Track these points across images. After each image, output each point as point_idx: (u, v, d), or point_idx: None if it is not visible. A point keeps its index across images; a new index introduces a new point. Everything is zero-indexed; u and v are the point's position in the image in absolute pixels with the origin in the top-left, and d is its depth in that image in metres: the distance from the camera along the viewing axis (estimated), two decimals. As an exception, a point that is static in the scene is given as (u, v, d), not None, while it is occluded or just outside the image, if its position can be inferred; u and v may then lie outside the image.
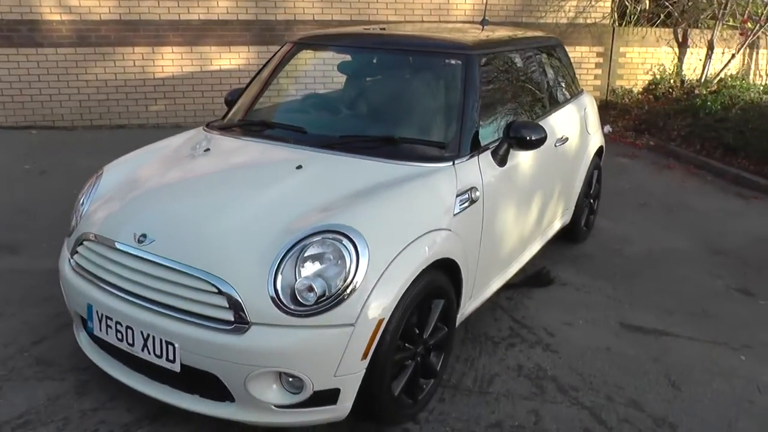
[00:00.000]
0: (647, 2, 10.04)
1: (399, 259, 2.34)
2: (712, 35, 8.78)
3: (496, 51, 3.46)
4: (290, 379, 2.27)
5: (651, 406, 2.88)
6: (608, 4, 9.15)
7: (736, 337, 3.51)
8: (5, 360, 3.01)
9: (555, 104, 4.06)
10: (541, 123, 3.36)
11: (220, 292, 2.23)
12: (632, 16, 9.75)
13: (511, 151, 3.09)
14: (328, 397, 2.28)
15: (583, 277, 4.18)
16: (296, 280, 2.22)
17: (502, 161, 3.07)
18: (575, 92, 4.54)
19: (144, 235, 2.42)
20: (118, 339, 2.45)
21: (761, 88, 8.30)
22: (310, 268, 2.24)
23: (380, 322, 2.27)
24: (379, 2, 8.22)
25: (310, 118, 3.35)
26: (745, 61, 9.85)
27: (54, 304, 3.40)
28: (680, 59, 9.26)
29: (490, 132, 3.14)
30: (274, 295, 2.20)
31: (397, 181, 2.64)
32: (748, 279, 4.25)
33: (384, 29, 3.80)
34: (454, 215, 2.71)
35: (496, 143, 3.08)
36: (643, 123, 8.29)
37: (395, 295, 2.31)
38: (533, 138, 3.01)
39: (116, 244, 2.49)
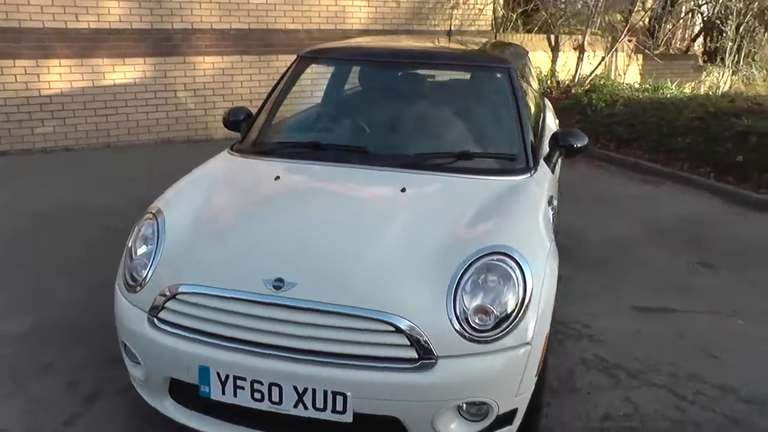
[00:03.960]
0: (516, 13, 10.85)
1: (546, 273, 2.40)
2: (583, 40, 9.68)
3: (519, 63, 3.62)
4: (475, 408, 2.21)
5: (707, 375, 3.21)
6: (490, 12, 9.73)
7: (723, 306, 3.98)
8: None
9: (542, 108, 4.32)
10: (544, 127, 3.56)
11: (397, 330, 2.10)
12: (509, 23, 10.45)
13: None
14: (507, 418, 2.28)
15: (570, 271, 4.44)
16: (471, 306, 2.18)
17: (553, 169, 3.25)
18: (540, 96, 4.85)
19: (280, 280, 2.17)
20: (255, 399, 2.18)
21: (633, 86, 9.33)
22: (482, 292, 2.21)
23: (546, 336, 2.32)
24: (277, 10, 8.06)
25: (368, 137, 3.22)
26: (607, 63, 10.95)
27: (58, 371, 3.06)
28: (554, 62, 10.12)
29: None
30: (456, 325, 2.14)
31: (504, 196, 2.70)
32: (700, 254, 4.80)
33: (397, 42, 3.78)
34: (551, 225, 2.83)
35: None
36: (533, 121, 8.94)
37: (550, 306, 2.37)
38: (579, 145, 3.21)
39: (242, 294, 2.19)
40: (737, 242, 5.08)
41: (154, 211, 2.64)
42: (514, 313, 2.21)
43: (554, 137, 3.23)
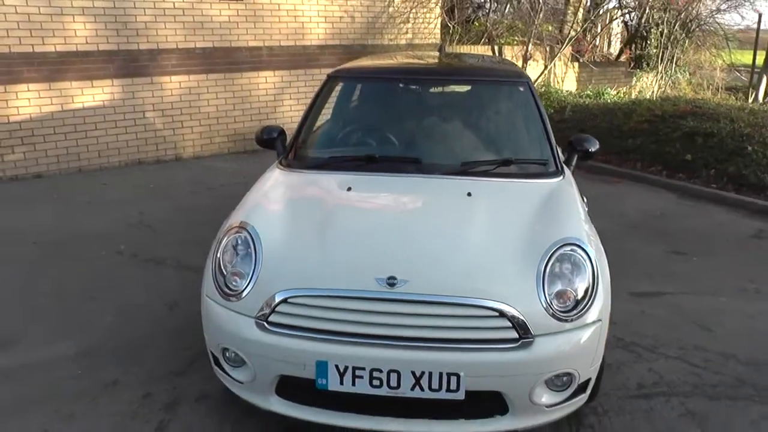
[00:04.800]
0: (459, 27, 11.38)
1: (602, 258, 2.76)
2: (526, 50, 10.26)
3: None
4: (560, 380, 2.52)
5: (708, 346, 3.65)
6: (438, 29, 10.18)
7: (705, 287, 4.47)
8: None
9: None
10: None
11: (501, 315, 2.39)
12: (456, 36, 10.93)
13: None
14: (583, 387, 2.62)
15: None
16: (553, 291, 2.50)
17: (571, 172, 3.62)
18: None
19: (393, 278, 2.42)
20: (373, 386, 2.41)
21: (572, 92, 9.95)
22: (564, 277, 2.55)
23: (609, 314, 2.68)
24: (240, 28, 8.21)
25: (419, 149, 3.49)
26: (547, 69, 11.61)
27: (127, 386, 3.18)
28: (499, 72, 10.66)
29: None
30: (547, 307, 2.47)
31: (550, 196, 3.06)
32: (671, 243, 5.32)
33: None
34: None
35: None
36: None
37: (609, 287, 2.72)
38: (593, 150, 3.62)
39: (359, 293, 2.44)
40: (698, 232, 5.64)
41: (239, 224, 2.82)
42: (587, 295, 2.56)
43: (571, 143, 3.62)
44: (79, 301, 4.13)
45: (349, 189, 3.09)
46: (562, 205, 3.02)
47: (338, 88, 3.86)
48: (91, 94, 7.25)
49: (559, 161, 3.43)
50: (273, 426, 2.83)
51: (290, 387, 2.59)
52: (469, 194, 2.99)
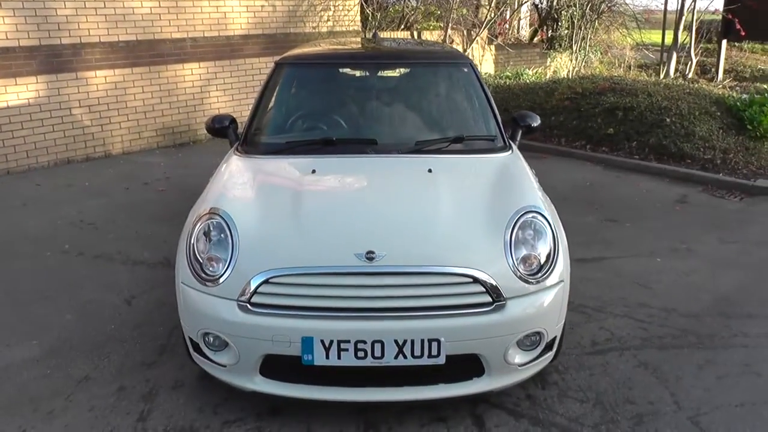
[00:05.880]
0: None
1: (559, 224, 2.97)
2: (445, 35, 10.50)
3: None
4: (529, 339, 2.70)
5: (650, 302, 3.95)
6: (357, 16, 10.26)
7: (639, 250, 4.80)
8: None
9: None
10: None
11: (474, 281, 2.55)
12: (375, 22, 11.03)
13: None
14: (550, 345, 2.81)
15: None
16: (519, 256, 2.68)
17: (516, 146, 3.83)
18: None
19: (371, 252, 2.52)
20: (358, 358, 2.52)
21: (491, 74, 10.26)
22: (527, 243, 2.74)
23: (569, 275, 2.88)
24: (162, 20, 8.03)
25: (374, 130, 3.62)
26: (466, 53, 11.88)
27: (99, 380, 3.19)
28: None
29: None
30: (515, 270, 2.64)
31: (504, 169, 3.25)
32: (602, 212, 5.65)
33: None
34: None
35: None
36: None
37: (567, 250, 2.93)
38: (535, 125, 3.83)
39: (339, 269, 2.53)
40: (626, 200, 6.01)
41: (209, 211, 2.85)
42: (550, 257, 2.75)
43: (514, 119, 3.81)
44: (33, 301, 4.02)
45: (313, 171, 3.16)
46: (515, 176, 3.22)
47: (287, 74, 3.89)
48: (15, 92, 6.93)
49: (506, 137, 3.62)
50: (256, 406, 2.89)
51: (273, 366, 2.66)
52: (429, 170, 3.13)
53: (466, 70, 3.85)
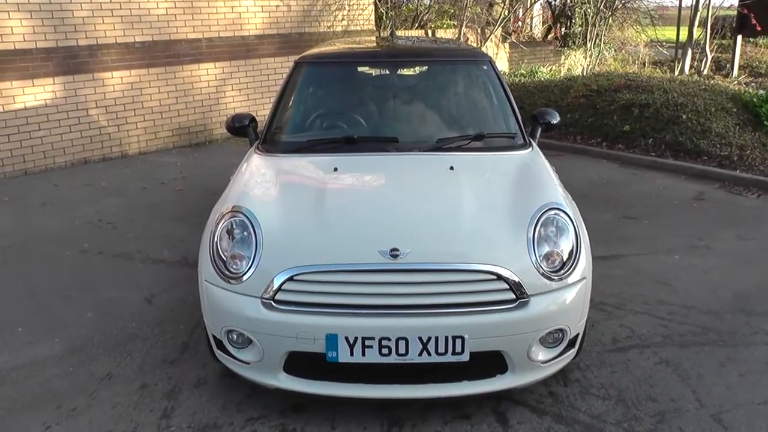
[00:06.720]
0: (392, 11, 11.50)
1: (581, 220, 2.96)
2: (460, 33, 10.49)
3: None
4: (552, 336, 2.69)
5: (670, 300, 3.93)
6: (372, 15, 10.27)
7: (658, 247, 4.78)
8: None
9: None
10: None
11: (498, 278, 2.55)
12: (389, 21, 11.03)
13: None
14: (573, 342, 2.81)
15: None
16: (542, 253, 2.67)
17: (536, 143, 3.82)
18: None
19: (395, 250, 2.52)
20: (383, 355, 2.52)
21: (506, 72, 10.23)
22: (550, 240, 2.73)
23: (591, 272, 2.88)
24: (178, 20, 8.09)
25: (395, 128, 3.63)
26: (482, 51, 11.90)
27: (122, 378, 3.20)
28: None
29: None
30: (538, 267, 2.64)
31: (525, 166, 3.24)
32: (620, 209, 5.63)
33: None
34: None
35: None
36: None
37: (589, 247, 2.92)
38: (554, 122, 3.82)
39: (364, 266, 2.54)
40: (643, 197, 5.98)
41: (232, 209, 2.86)
42: (572, 255, 2.75)
43: (534, 117, 3.81)
44: (55, 300, 4.06)
45: (335, 169, 3.17)
46: (536, 173, 3.21)
47: (306, 73, 3.90)
48: (33, 94, 7.00)
49: (526, 134, 3.61)
50: (279, 403, 2.91)
51: (297, 363, 2.67)
52: (451, 168, 3.13)
53: (485, 67, 3.85)
